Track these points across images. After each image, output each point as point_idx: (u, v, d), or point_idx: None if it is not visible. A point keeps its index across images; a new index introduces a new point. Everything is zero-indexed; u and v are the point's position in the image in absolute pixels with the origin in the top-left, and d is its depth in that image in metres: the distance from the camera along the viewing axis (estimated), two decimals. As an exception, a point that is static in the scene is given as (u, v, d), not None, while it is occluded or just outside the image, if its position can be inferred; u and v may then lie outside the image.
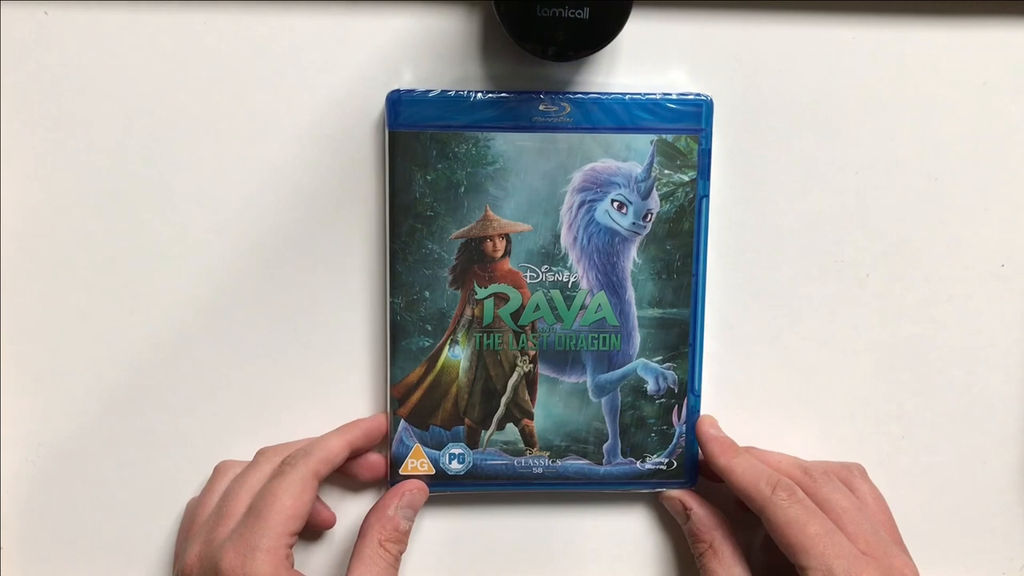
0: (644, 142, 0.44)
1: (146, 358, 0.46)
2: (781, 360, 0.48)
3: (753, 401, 0.48)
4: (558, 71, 0.45)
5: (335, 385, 0.47)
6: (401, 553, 0.43)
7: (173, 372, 0.46)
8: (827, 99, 0.46)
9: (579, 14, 0.40)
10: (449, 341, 0.45)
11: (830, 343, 0.48)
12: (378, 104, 0.44)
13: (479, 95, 0.43)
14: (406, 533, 0.43)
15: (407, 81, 0.44)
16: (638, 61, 0.45)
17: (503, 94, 0.43)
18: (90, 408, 0.46)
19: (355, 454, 0.45)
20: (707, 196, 0.44)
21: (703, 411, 0.47)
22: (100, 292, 0.46)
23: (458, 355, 0.45)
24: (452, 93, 0.43)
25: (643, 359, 0.45)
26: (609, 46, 0.41)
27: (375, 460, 0.46)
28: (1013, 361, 0.49)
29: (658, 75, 0.45)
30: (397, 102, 0.43)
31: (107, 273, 0.45)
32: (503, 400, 0.45)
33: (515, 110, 0.43)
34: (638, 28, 0.44)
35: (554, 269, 0.44)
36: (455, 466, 0.45)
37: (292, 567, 0.41)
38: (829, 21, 0.45)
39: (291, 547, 0.41)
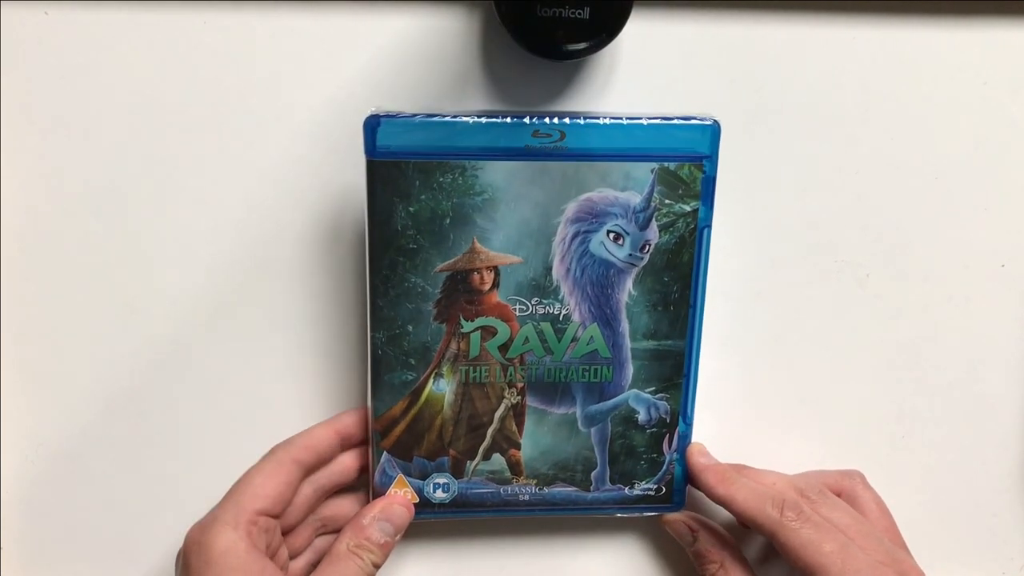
0: (644, 170, 0.41)
1: (146, 358, 0.46)
2: (781, 360, 0.48)
3: (754, 401, 0.48)
4: (558, 72, 0.45)
5: (330, 390, 0.47)
6: (376, 566, 0.42)
7: (173, 372, 0.46)
8: (827, 99, 0.46)
9: (579, 14, 0.40)
10: (433, 375, 0.43)
11: (830, 343, 0.48)
12: (377, 105, 0.44)
13: (466, 120, 0.40)
14: (380, 545, 0.42)
15: (406, 82, 0.44)
16: (637, 61, 0.45)
17: (492, 119, 0.40)
18: (90, 408, 0.46)
19: (348, 443, 0.45)
20: (709, 226, 0.42)
21: (701, 416, 0.47)
22: (100, 292, 0.46)
23: (443, 388, 0.43)
24: (437, 118, 0.40)
25: (635, 390, 0.44)
26: (609, 46, 0.41)
27: (348, 464, 0.45)
28: (1013, 361, 0.49)
29: (657, 75, 0.45)
30: (376, 127, 0.40)
31: (107, 273, 0.45)
32: (489, 430, 0.44)
33: (506, 136, 0.40)
34: (638, 28, 0.44)
35: (545, 302, 0.42)
36: (439, 495, 0.44)
37: (261, 548, 0.40)
38: (829, 21, 0.45)
39: (259, 527, 0.40)
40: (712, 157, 0.41)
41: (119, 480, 0.47)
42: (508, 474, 0.45)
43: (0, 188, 0.44)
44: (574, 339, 0.43)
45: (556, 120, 0.41)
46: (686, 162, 0.41)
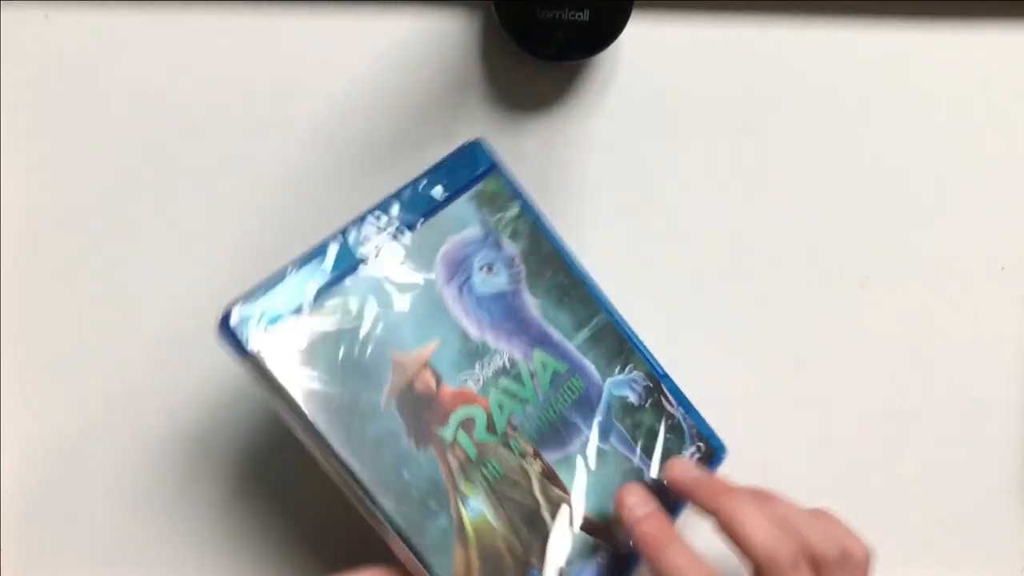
0: (463, 204, 0.43)
1: (146, 358, 0.46)
2: (781, 361, 0.48)
3: (754, 402, 0.48)
4: (558, 74, 0.45)
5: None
6: None
7: (173, 372, 0.46)
8: (827, 100, 0.46)
9: (579, 16, 0.40)
10: (459, 500, 0.40)
11: (830, 344, 0.48)
12: (377, 106, 0.44)
13: (300, 270, 0.38)
14: None
15: (406, 84, 0.44)
16: (637, 63, 0.45)
17: (314, 255, 0.39)
18: (90, 408, 0.46)
19: None
20: (539, 216, 0.44)
21: (706, 410, 0.47)
22: (100, 292, 0.46)
23: (478, 509, 0.40)
24: (275, 284, 0.38)
25: (608, 379, 0.44)
26: (609, 48, 0.41)
27: None
28: (1013, 361, 0.49)
29: (656, 77, 0.45)
30: (239, 325, 0.37)
31: (107, 273, 0.45)
32: (543, 512, 0.41)
33: (341, 258, 0.39)
34: (638, 30, 0.44)
35: (486, 359, 0.42)
36: None
37: None
38: (829, 22, 0.45)
39: None
40: (498, 163, 0.44)
41: (119, 480, 0.47)
42: (591, 540, 0.42)
43: (0, 188, 0.44)
44: (532, 375, 0.43)
45: (373, 215, 0.41)
46: (484, 177, 0.43)
